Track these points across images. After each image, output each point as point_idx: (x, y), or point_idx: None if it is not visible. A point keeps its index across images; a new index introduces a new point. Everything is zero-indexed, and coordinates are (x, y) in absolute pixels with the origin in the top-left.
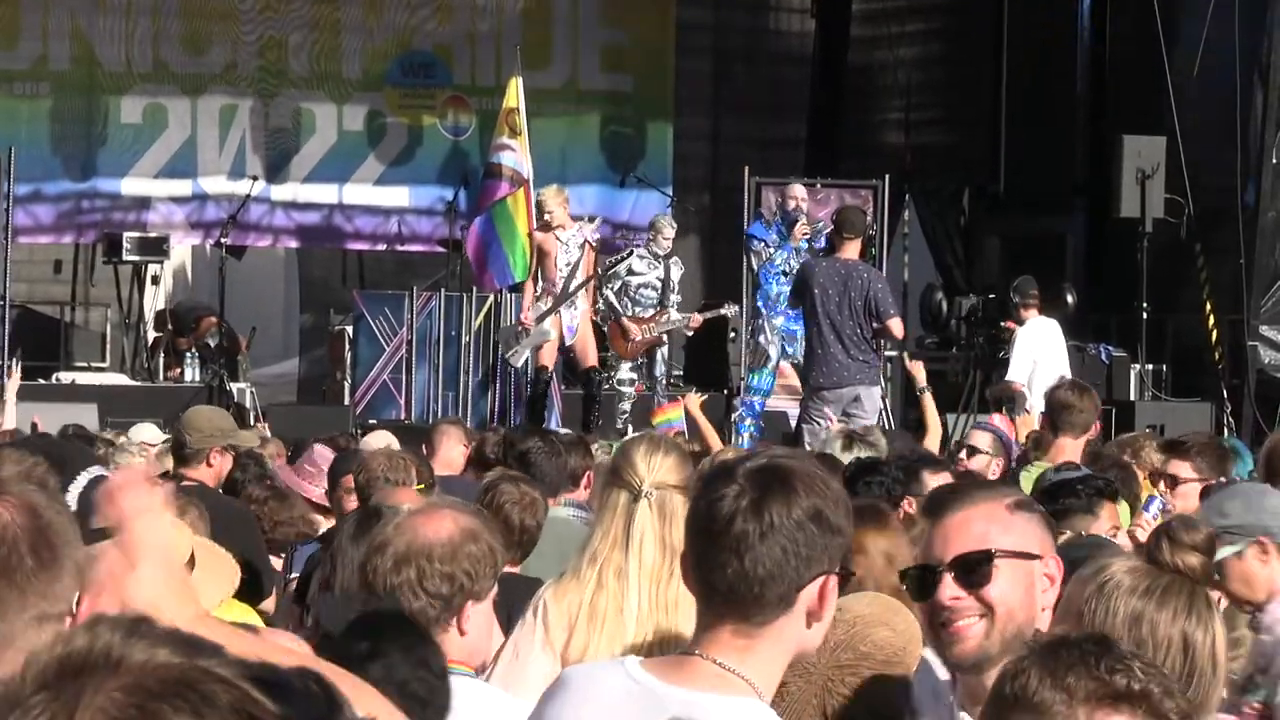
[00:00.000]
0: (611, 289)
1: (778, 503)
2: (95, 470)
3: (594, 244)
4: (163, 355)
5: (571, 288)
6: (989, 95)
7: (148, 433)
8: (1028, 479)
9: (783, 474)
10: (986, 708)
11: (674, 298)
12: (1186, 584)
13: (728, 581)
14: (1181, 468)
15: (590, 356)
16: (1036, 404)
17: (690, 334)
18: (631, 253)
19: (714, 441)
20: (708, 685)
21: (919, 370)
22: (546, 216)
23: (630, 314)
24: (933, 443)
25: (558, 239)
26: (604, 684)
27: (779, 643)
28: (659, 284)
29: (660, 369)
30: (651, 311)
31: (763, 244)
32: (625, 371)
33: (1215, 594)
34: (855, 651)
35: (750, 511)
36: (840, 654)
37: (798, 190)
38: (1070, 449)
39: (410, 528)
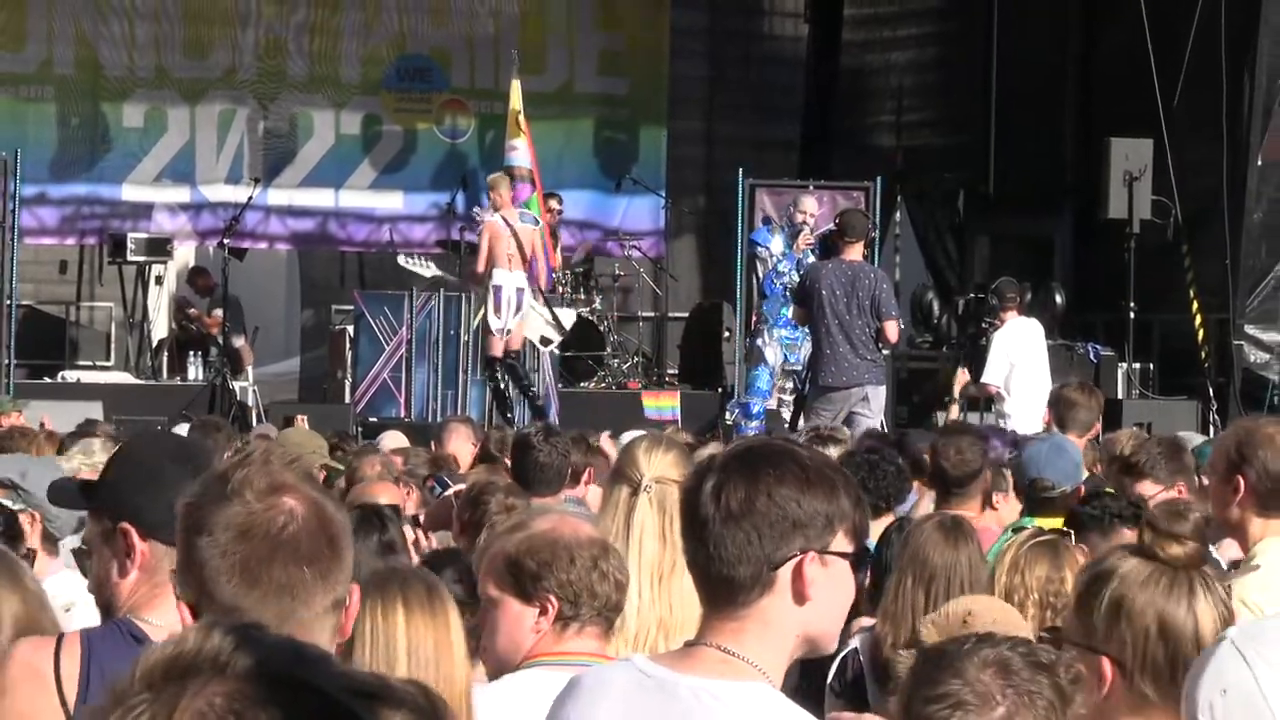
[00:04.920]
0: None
1: (739, 486)
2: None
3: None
4: (166, 354)
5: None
6: (979, 98)
7: None
8: None
9: (751, 457)
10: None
11: None
12: (1183, 574)
13: (702, 567)
14: (1144, 486)
15: (514, 342)
16: (1014, 406)
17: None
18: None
19: None
20: (715, 671)
21: (961, 379)
22: (495, 198)
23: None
24: None
25: (506, 221)
26: (615, 681)
27: (768, 625)
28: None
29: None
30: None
31: (765, 250)
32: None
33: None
34: None
35: (712, 497)
36: None
37: (809, 204)
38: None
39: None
